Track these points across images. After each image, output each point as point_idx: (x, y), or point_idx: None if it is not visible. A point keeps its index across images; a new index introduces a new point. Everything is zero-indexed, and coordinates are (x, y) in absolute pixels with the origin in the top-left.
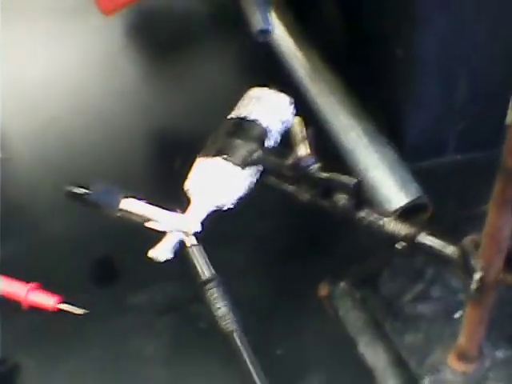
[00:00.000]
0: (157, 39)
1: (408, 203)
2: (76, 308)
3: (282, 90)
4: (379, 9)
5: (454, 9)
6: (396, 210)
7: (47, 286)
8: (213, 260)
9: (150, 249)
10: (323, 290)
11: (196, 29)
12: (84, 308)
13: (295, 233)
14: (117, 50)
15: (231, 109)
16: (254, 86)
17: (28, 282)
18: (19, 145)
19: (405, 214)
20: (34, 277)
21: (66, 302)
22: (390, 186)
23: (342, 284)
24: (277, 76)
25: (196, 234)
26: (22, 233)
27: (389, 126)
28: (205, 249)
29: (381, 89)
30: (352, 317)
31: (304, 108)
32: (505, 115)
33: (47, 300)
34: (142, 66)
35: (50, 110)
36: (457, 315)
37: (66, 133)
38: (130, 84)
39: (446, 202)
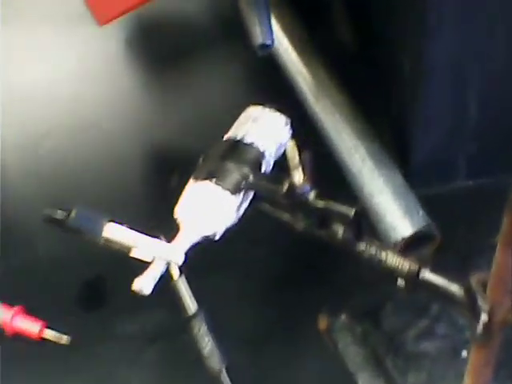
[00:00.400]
0: (157, 50)
1: (414, 233)
2: (61, 336)
3: (280, 109)
4: (388, 19)
5: (466, 22)
6: (401, 240)
7: (32, 310)
8: (205, 287)
9: (140, 273)
10: (322, 323)
11: (198, 40)
12: (69, 334)
13: (291, 260)
14: (115, 61)
15: (232, 125)
16: (255, 103)
17: (12, 305)
18: (10, 159)
19: (411, 243)
20: (19, 299)
21: (50, 327)
22: (396, 214)
23: (343, 317)
24: (280, 91)
25: (180, 266)
26: (7, 253)
27: (396, 147)
28: (197, 275)
29: (389, 106)
30: (352, 352)
31: (307, 126)
32: None
33: (32, 327)
34: (140, 78)
35: (44, 122)
36: (463, 354)
37: (59, 147)
38: (127, 96)
39: (456, 231)
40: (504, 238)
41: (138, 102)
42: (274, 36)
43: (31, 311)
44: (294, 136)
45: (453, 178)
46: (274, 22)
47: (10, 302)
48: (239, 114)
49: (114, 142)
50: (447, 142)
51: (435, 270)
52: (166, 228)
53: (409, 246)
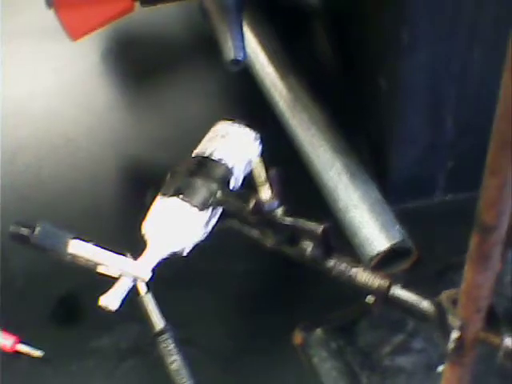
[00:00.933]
0: (132, 65)
1: (390, 247)
2: (34, 350)
3: (250, 124)
4: (364, 38)
5: (441, 42)
6: (377, 255)
7: (5, 325)
8: (179, 301)
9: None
10: (297, 338)
11: (173, 55)
12: (44, 349)
13: (267, 275)
14: (90, 76)
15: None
16: (225, 118)
17: None
18: None
19: (387, 258)
20: None
21: (24, 343)
22: (372, 228)
23: (318, 332)
24: (256, 106)
25: (147, 282)
26: None
27: (373, 162)
28: (171, 288)
29: (366, 121)
30: (327, 367)
31: (282, 141)
32: None
33: (5, 340)
34: (115, 93)
35: (19, 137)
36: (439, 369)
37: (34, 161)
38: (102, 111)
39: (433, 246)
40: (472, 257)
41: (113, 117)
42: (246, 51)
43: (5, 326)
44: (266, 151)
45: (430, 193)
46: (250, 36)
47: None
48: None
49: (88, 157)
50: (424, 158)
51: (409, 285)
52: (138, 243)
53: (385, 261)
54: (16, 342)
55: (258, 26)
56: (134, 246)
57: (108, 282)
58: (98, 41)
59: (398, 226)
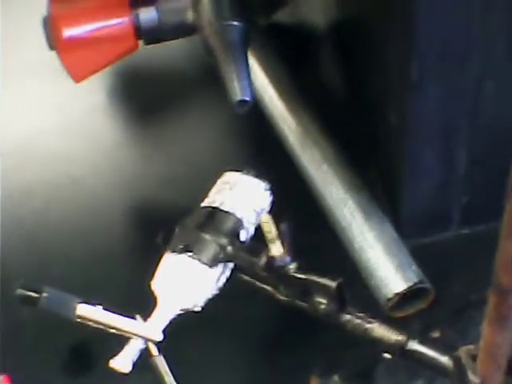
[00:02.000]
0: (138, 102)
1: (407, 288)
2: None
3: (259, 174)
4: (373, 71)
5: (451, 77)
6: (394, 296)
7: (16, 379)
8: (190, 350)
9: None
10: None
11: (180, 92)
12: None
13: (283, 320)
14: (96, 114)
15: (215, 179)
16: (232, 169)
17: None
18: None
19: (404, 299)
20: (2, 368)
21: None
22: (387, 269)
23: (335, 378)
24: (267, 142)
25: (158, 344)
26: None
27: (386, 197)
28: (185, 332)
29: (377, 155)
30: None
31: (295, 180)
32: None
33: None
34: (122, 131)
35: (24, 180)
36: None
37: (41, 205)
38: (108, 150)
39: (450, 282)
40: (490, 318)
41: (120, 156)
42: (253, 90)
43: (17, 379)
44: (275, 198)
45: (445, 228)
46: (258, 69)
47: None
48: (224, 166)
49: (96, 198)
50: (438, 192)
51: (428, 325)
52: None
53: (402, 301)
54: None
55: (265, 58)
56: (145, 292)
57: None
58: (103, 78)
59: (414, 266)
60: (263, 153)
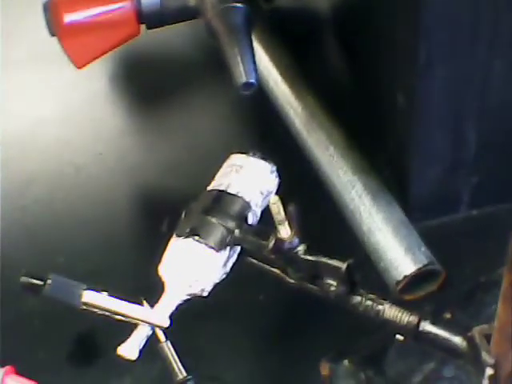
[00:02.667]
0: (141, 89)
1: (417, 270)
2: None
3: (265, 156)
4: (382, 51)
5: (461, 53)
6: (403, 278)
7: (22, 369)
8: (199, 337)
9: (131, 328)
10: (324, 370)
11: (183, 77)
12: None
13: (292, 306)
14: (99, 101)
15: (221, 165)
16: (238, 151)
17: (1, 364)
18: None
19: (414, 280)
20: (8, 359)
21: None
22: (397, 251)
23: (345, 363)
24: (272, 126)
25: (166, 328)
26: None
27: (394, 180)
28: (193, 321)
29: (385, 139)
30: None
31: (301, 163)
32: None
33: None
34: (124, 118)
35: (26, 169)
36: None
37: (45, 194)
38: (111, 138)
39: (460, 264)
40: (505, 296)
41: (123, 144)
42: (258, 73)
43: (22, 370)
44: (283, 176)
45: (455, 209)
46: (262, 54)
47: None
48: (229, 151)
49: (99, 186)
50: (447, 174)
51: (439, 308)
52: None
53: (412, 284)
54: None
55: (268, 42)
56: (150, 278)
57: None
58: (105, 65)
59: (423, 248)
60: (268, 137)
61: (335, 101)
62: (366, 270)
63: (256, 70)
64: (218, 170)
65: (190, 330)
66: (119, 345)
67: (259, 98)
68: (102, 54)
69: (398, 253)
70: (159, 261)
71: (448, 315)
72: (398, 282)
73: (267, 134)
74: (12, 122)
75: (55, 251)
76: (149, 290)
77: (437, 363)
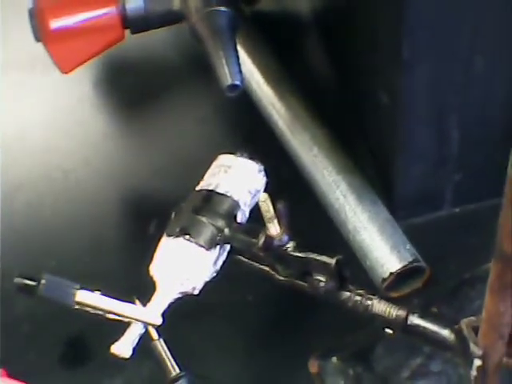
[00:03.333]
0: (126, 92)
1: (402, 268)
2: None
3: (252, 156)
4: (364, 48)
5: (442, 55)
6: (389, 276)
7: (15, 371)
8: (189, 336)
9: (123, 327)
10: (313, 367)
11: (168, 81)
12: None
13: (279, 303)
14: (84, 106)
15: (207, 166)
16: (225, 152)
17: None
18: None
19: (399, 278)
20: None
21: None
22: (382, 250)
23: (334, 360)
24: (256, 129)
25: (158, 327)
26: None
27: (379, 179)
28: (179, 323)
29: (369, 138)
30: None
31: (285, 165)
32: (507, 162)
33: None
34: (110, 122)
35: (15, 174)
36: None
37: (34, 199)
38: (98, 141)
39: (445, 261)
40: (492, 287)
41: (109, 147)
42: (243, 75)
43: (13, 373)
44: (270, 180)
45: (438, 207)
46: (245, 55)
47: None
48: (214, 154)
49: (88, 190)
50: (431, 171)
51: (425, 304)
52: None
53: (397, 281)
54: None
55: (252, 43)
56: (140, 279)
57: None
58: (90, 70)
59: (408, 246)
60: (252, 139)
61: (319, 101)
62: (354, 266)
63: (241, 71)
64: (203, 172)
65: (180, 330)
66: (110, 345)
67: (243, 101)
68: (88, 59)
69: (384, 251)
70: (150, 260)
71: (434, 310)
72: (384, 280)
73: (251, 136)
74: None
75: (46, 255)
76: (140, 289)
77: (424, 358)
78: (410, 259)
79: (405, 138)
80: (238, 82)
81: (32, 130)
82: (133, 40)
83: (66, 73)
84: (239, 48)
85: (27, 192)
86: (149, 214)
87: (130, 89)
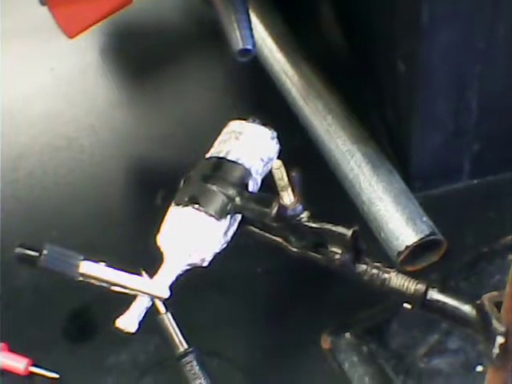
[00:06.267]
0: (133, 60)
1: (418, 241)
2: (49, 372)
3: (266, 122)
4: (380, 16)
5: (462, 22)
6: (405, 249)
7: (17, 345)
8: (198, 311)
9: (128, 301)
10: (326, 343)
11: (176, 47)
12: (58, 369)
13: (292, 277)
14: (90, 74)
15: (216, 135)
16: (237, 118)
17: None
18: None
19: (415, 251)
20: (2, 335)
21: (37, 365)
22: (398, 222)
23: (347, 335)
24: (268, 97)
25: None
26: None
27: (394, 149)
28: (193, 294)
29: (384, 107)
30: (359, 372)
31: (298, 133)
32: None
33: (17, 363)
34: (117, 90)
35: (19, 143)
36: (478, 369)
37: (37, 167)
38: (103, 110)
39: (463, 235)
40: None
41: (115, 116)
42: (255, 40)
43: (16, 348)
44: (282, 149)
45: (455, 179)
46: (257, 22)
47: None
48: (224, 123)
49: (92, 159)
50: (448, 142)
51: (442, 278)
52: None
53: (413, 254)
54: (29, 365)
55: (264, 10)
56: (147, 251)
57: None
58: (96, 36)
59: (425, 218)
60: (264, 107)
61: (332, 69)
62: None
63: (253, 36)
64: (213, 140)
65: (188, 303)
66: (115, 319)
67: (254, 68)
68: (94, 23)
69: (400, 223)
70: (157, 231)
71: (452, 284)
72: (400, 253)
73: (263, 104)
74: (2, 95)
75: (48, 225)
76: (147, 261)
77: (441, 335)
78: (427, 232)
79: (422, 108)
80: (249, 47)
81: (36, 97)
82: (141, 4)
83: (72, 37)
84: (251, 14)
85: (30, 160)
86: (156, 184)
87: (138, 55)
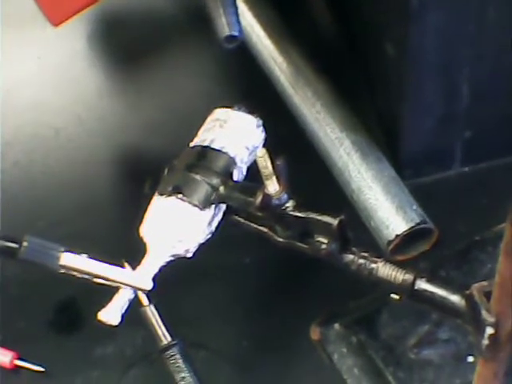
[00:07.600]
0: (121, 48)
1: (409, 229)
2: (35, 365)
3: (251, 110)
4: (369, 2)
5: (452, 5)
6: (395, 238)
7: (2, 338)
8: (183, 302)
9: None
10: (315, 333)
11: (164, 35)
12: (44, 362)
13: (280, 268)
14: (76, 61)
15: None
16: (222, 105)
17: None
18: None
19: (406, 240)
20: None
21: (23, 359)
22: (388, 210)
23: (336, 326)
24: (257, 84)
25: (149, 291)
26: None
27: (384, 137)
28: (180, 284)
29: (374, 93)
30: (348, 364)
31: (287, 121)
32: None
33: (2, 357)
34: (104, 79)
35: (5, 131)
36: (469, 359)
37: (24, 157)
38: (91, 99)
39: (454, 223)
40: (506, 248)
41: (103, 105)
42: (242, 26)
43: (2, 341)
44: (268, 134)
45: (447, 167)
46: (245, 8)
47: None
48: (212, 110)
49: (79, 148)
50: (439, 128)
51: (433, 268)
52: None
53: (403, 243)
54: (14, 358)
55: None
56: (133, 242)
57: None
58: (83, 24)
59: (415, 206)
60: (252, 94)
61: (321, 55)
62: (357, 228)
63: (239, 22)
64: (199, 128)
65: (172, 295)
66: (100, 309)
67: (243, 55)
68: (80, 9)
69: (390, 211)
70: (141, 221)
71: (442, 274)
72: (390, 242)
73: (251, 91)
74: None
75: (34, 215)
76: (131, 252)
77: (431, 325)
78: (418, 220)
79: (412, 92)
80: (235, 33)
81: (21, 86)
82: None
83: (56, 25)
84: (239, 0)
85: (16, 150)
86: (143, 173)
87: (125, 43)
